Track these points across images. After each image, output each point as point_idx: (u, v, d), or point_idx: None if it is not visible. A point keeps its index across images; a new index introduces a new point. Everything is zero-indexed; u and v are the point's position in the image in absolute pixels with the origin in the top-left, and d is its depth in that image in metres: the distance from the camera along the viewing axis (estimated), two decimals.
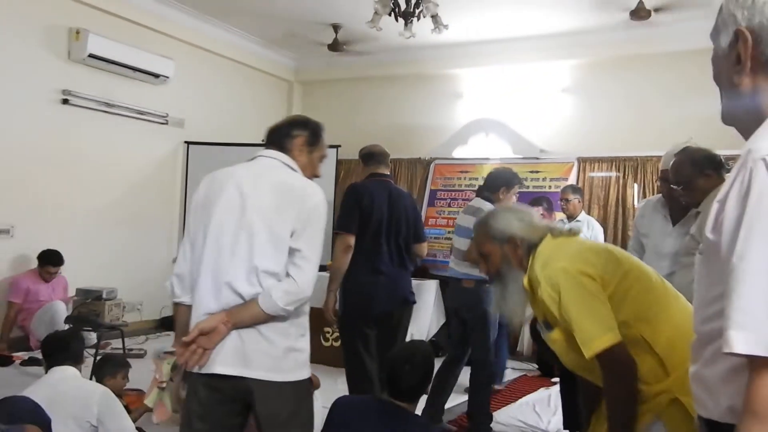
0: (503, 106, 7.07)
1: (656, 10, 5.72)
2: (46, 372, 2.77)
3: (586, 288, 1.78)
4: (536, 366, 5.57)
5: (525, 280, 1.94)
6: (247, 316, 1.92)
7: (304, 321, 2.04)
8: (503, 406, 4.50)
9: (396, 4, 5.10)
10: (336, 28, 6.73)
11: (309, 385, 2.11)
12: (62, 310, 5.19)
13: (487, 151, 7.05)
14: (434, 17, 5.17)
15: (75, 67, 5.91)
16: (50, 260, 5.38)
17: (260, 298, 1.90)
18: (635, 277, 1.85)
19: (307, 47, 7.52)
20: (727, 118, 1.16)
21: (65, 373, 2.68)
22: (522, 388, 5.07)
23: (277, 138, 2.14)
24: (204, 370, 1.95)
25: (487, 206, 3.76)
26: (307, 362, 2.04)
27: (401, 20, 5.16)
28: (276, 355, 1.94)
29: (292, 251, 1.93)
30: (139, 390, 3.71)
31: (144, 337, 6.07)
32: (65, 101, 5.84)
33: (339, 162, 7.32)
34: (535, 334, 2.15)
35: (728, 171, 2.15)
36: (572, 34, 6.46)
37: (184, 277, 2.06)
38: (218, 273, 1.95)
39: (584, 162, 6.50)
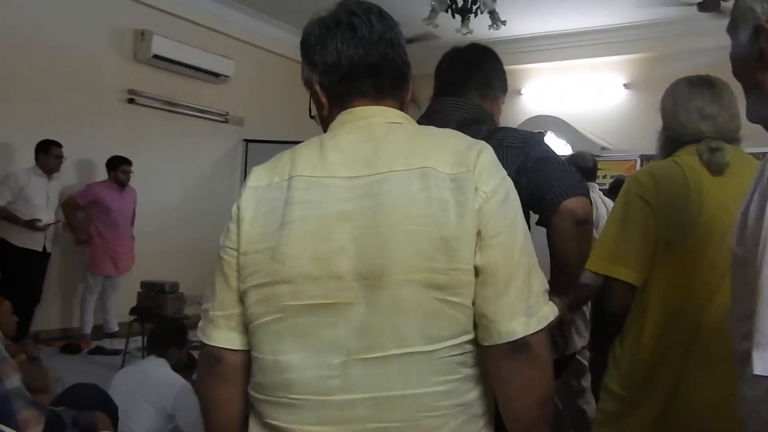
0: (563, 103, 6.91)
1: None
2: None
3: (637, 212, 1.61)
4: None
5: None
6: None
7: None
8: None
9: (453, 1, 5.05)
10: None
11: None
12: (115, 285, 5.57)
13: None
14: (492, 13, 5.10)
15: (140, 68, 6.10)
16: (123, 160, 5.44)
17: None
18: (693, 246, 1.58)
19: None
20: (753, 117, 1.09)
21: (156, 362, 2.89)
22: None
23: None
24: None
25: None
26: None
27: (458, 17, 5.10)
28: None
29: None
30: None
31: None
32: (131, 101, 6.04)
33: None
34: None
35: None
36: (634, 27, 6.26)
37: None
38: None
39: (647, 160, 6.30)
